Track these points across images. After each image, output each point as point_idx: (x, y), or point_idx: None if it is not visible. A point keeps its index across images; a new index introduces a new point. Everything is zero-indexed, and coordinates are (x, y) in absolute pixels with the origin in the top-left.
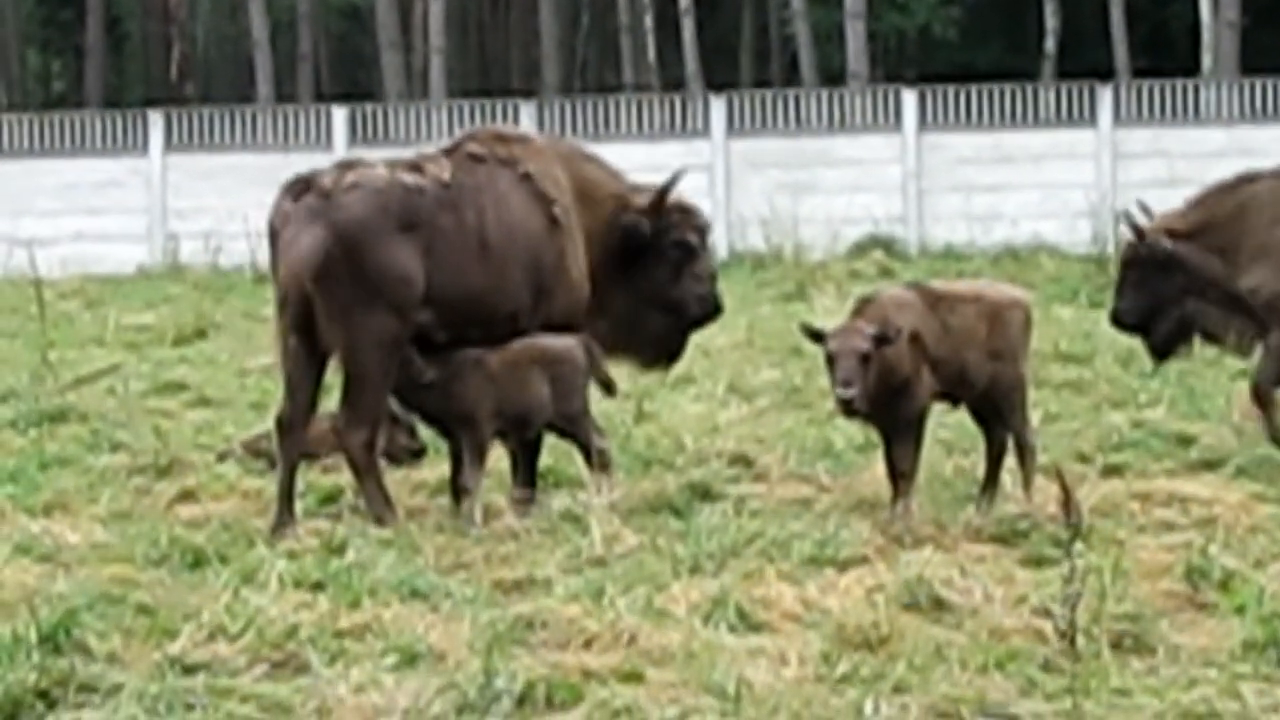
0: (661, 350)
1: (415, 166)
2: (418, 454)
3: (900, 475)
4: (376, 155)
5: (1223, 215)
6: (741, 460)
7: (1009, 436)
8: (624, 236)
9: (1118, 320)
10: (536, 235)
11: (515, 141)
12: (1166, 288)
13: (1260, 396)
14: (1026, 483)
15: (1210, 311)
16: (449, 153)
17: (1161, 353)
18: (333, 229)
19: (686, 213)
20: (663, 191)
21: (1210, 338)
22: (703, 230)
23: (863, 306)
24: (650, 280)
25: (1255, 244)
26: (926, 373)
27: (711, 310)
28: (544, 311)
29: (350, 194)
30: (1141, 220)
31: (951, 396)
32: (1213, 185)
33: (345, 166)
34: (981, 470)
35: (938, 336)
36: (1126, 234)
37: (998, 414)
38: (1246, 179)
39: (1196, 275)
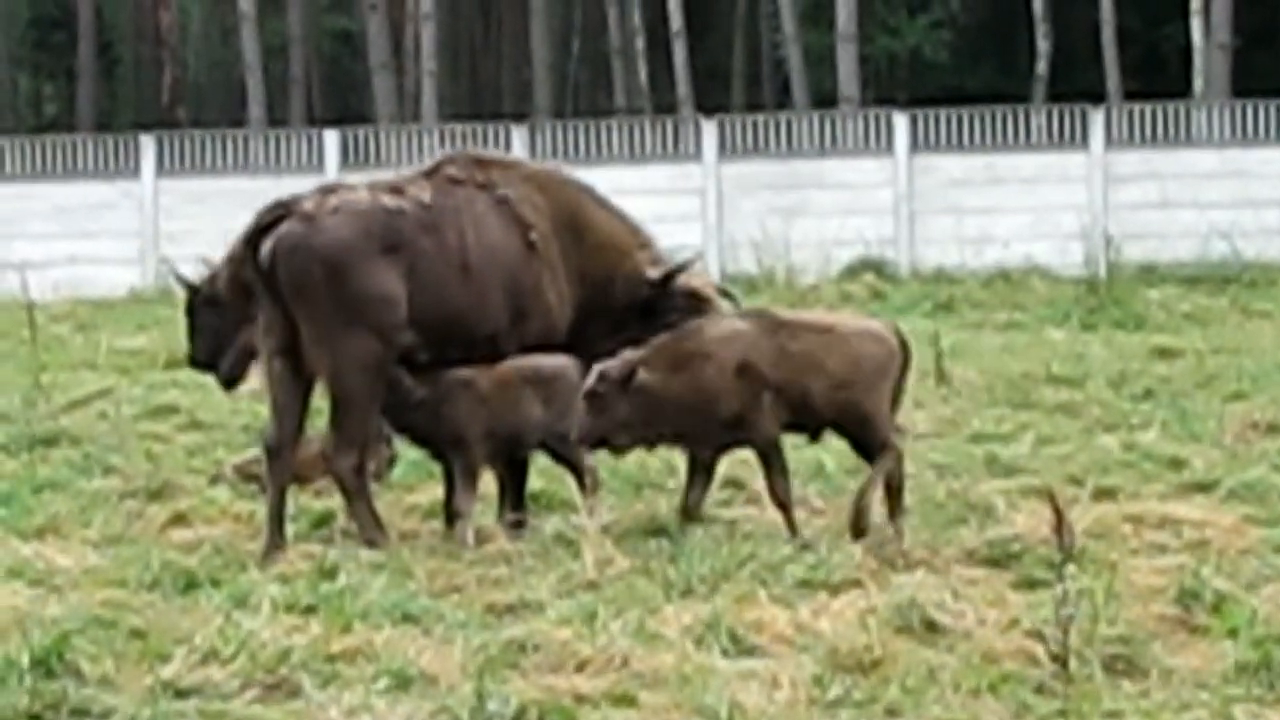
0: None
1: (395, 189)
2: (391, 461)
3: (779, 506)
4: (367, 178)
5: None
6: (733, 483)
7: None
8: (629, 297)
9: (194, 363)
10: (514, 258)
11: (493, 165)
12: (225, 324)
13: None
14: (892, 514)
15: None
16: (428, 175)
17: (230, 383)
18: (317, 253)
19: (696, 296)
20: (674, 271)
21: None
22: (705, 309)
23: (683, 334)
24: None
25: None
26: (769, 399)
27: None
28: (520, 334)
29: (333, 218)
30: (197, 272)
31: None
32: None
33: (327, 190)
34: (973, 494)
35: (773, 363)
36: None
37: (857, 446)
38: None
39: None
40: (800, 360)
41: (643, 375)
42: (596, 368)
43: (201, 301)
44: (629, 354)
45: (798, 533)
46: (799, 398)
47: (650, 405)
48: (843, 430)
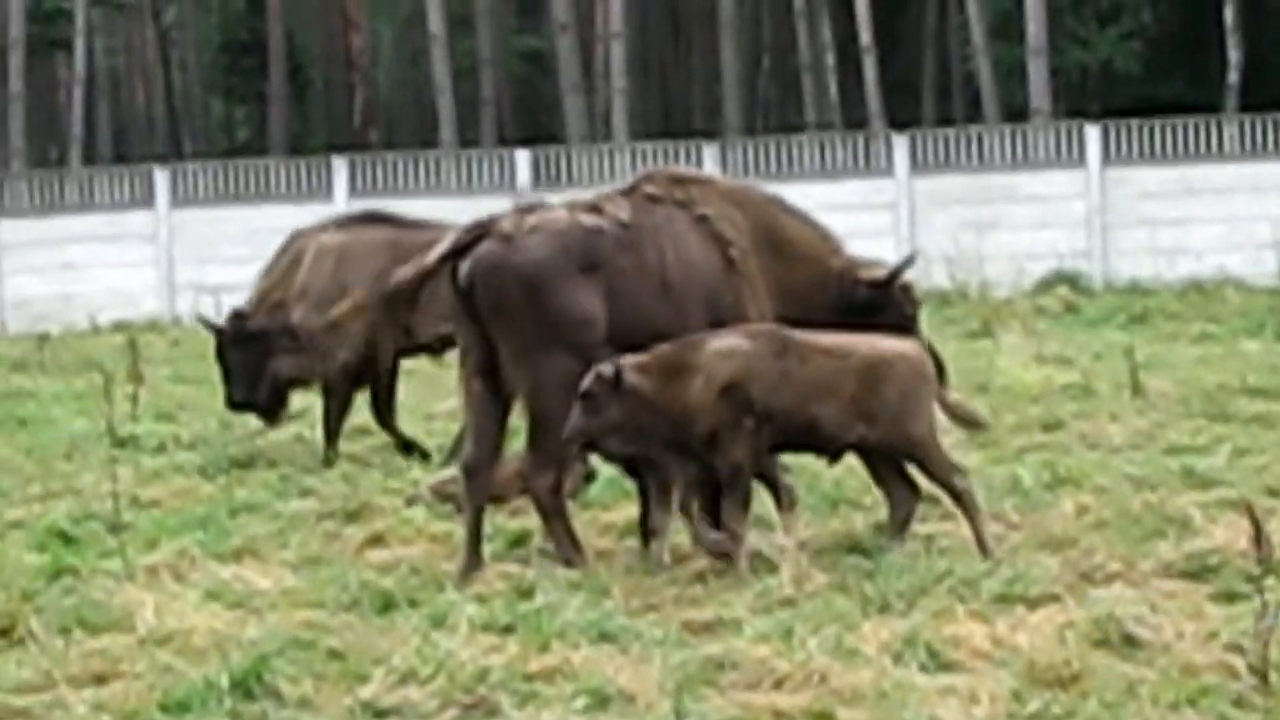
0: None
1: (594, 208)
2: (589, 478)
3: (729, 532)
4: (559, 198)
5: (280, 273)
6: (929, 498)
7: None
8: (841, 301)
9: (233, 405)
10: (714, 276)
11: (692, 183)
12: (254, 360)
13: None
14: (978, 537)
15: (287, 361)
16: (626, 194)
17: (270, 415)
18: (515, 273)
19: (907, 290)
20: (897, 271)
21: (298, 382)
22: (919, 306)
23: (687, 344)
24: None
25: (300, 286)
26: (750, 425)
27: None
28: None
29: (531, 237)
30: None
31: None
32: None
33: (524, 210)
34: (1170, 506)
35: (771, 386)
36: None
37: (920, 469)
38: (296, 236)
39: (280, 337)
40: (808, 385)
41: (633, 379)
42: (595, 369)
43: (229, 342)
44: (627, 358)
45: (729, 563)
46: (806, 424)
47: (638, 411)
48: (884, 457)
